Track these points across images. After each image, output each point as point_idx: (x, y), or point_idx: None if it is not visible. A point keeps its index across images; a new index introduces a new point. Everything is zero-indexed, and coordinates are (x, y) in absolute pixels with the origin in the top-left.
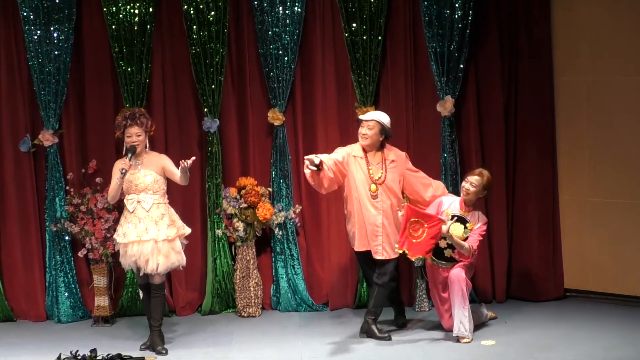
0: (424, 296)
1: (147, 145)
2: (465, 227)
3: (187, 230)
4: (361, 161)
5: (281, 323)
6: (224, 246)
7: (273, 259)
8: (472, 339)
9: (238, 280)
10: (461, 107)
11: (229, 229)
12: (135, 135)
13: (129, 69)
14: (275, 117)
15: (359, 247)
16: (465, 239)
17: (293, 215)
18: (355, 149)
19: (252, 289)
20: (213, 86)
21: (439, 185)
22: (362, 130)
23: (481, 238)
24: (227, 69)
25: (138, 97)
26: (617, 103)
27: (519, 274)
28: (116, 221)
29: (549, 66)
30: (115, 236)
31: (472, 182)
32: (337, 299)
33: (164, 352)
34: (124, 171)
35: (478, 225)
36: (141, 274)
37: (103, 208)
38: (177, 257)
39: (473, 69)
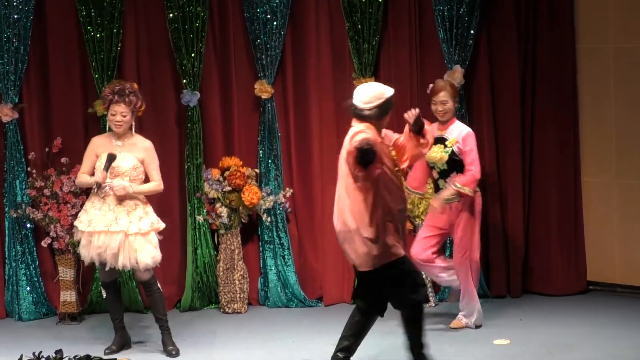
0: (430, 290)
1: (133, 126)
2: (445, 146)
3: (162, 225)
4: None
5: (270, 320)
6: (205, 234)
7: (261, 248)
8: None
9: (221, 273)
10: (472, 78)
11: (211, 215)
12: (120, 114)
13: (98, 35)
14: (263, 89)
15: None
16: (453, 160)
17: (283, 200)
18: None
19: (237, 282)
20: (193, 55)
21: None
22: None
23: (476, 157)
24: (208, 35)
25: (108, 67)
26: None
27: (536, 266)
28: (83, 206)
29: (571, 32)
30: (76, 223)
31: (441, 100)
32: (332, 293)
33: (174, 353)
34: (99, 185)
35: (461, 135)
36: (107, 268)
37: (69, 192)
38: (156, 252)
39: (485, 35)
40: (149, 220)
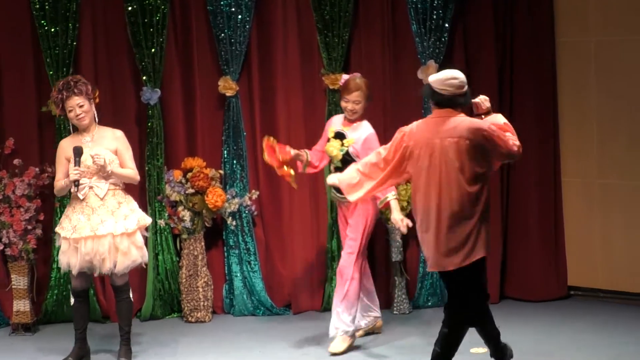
0: (404, 296)
1: (96, 116)
2: (343, 144)
3: (148, 221)
4: None
5: (235, 329)
6: (167, 239)
7: (225, 254)
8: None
9: (184, 280)
10: None
11: (173, 219)
12: (77, 107)
13: (53, 30)
14: (227, 86)
15: None
16: (347, 161)
17: (249, 202)
18: None
19: (200, 289)
20: (153, 50)
21: None
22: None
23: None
24: (169, 29)
25: (63, 64)
26: (631, 68)
27: (515, 271)
28: (38, 210)
29: (550, 25)
30: (58, 229)
31: (355, 100)
32: (301, 300)
33: None
34: (77, 183)
35: (361, 138)
36: (96, 274)
37: (23, 195)
38: (138, 254)
39: (461, 28)
40: (135, 218)
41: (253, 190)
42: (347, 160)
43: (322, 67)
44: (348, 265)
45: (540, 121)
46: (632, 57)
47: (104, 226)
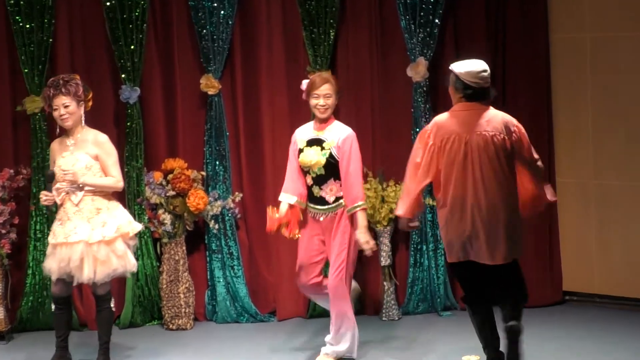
0: (393, 302)
1: (83, 119)
2: (323, 148)
3: (135, 228)
4: None
5: (218, 337)
6: (147, 243)
7: (208, 258)
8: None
9: (165, 286)
10: (437, 71)
11: (153, 223)
12: (62, 106)
13: (28, 26)
14: (210, 84)
15: None
16: (331, 165)
17: (232, 205)
18: None
19: (181, 295)
20: (132, 47)
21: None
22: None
23: (360, 163)
24: (149, 25)
25: (39, 61)
26: (627, 65)
27: None
28: (13, 214)
29: (544, 21)
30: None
31: (325, 94)
32: (286, 307)
33: None
34: (46, 207)
35: (341, 138)
36: (75, 283)
37: None
38: (119, 263)
39: (451, 24)
40: (114, 225)
41: (236, 193)
42: (330, 164)
43: (307, 65)
44: (340, 284)
45: (534, 120)
46: (629, 54)
47: (76, 233)
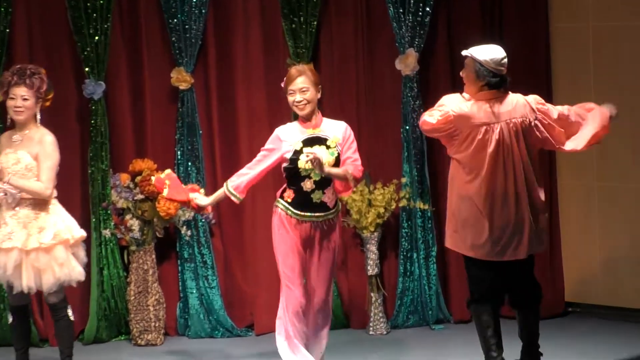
0: (381, 315)
1: (38, 116)
2: (328, 147)
3: (75, 235)
4: None
5: (191, 353)
6: (113, 252)
7: (180, 268)
8: None
9: (132, 297)
10: (428, 63)
11: (120, 229)
12: (20, 97)
13: None
14: (181, 78)
15: None
16: (336, 164)
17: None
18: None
19: (151, 308)
20: (97, 38)
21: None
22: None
23: (358, 156)
24: (115, 14)
25: None
26: (633, 57)
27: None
28: None
29: (544, 10)
30: None
31: (301, 88)
32: (264, 320)
33: None
34: None
35: (341, 131)
36: (14, 292)
37: None
38: (62, 271)
39: (444, 12)
40: (52, 232)
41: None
42: (335, 163)
43: (287, 57)
44: (328, 302)
45: None
46: (635, 45)
47: (11, 239)
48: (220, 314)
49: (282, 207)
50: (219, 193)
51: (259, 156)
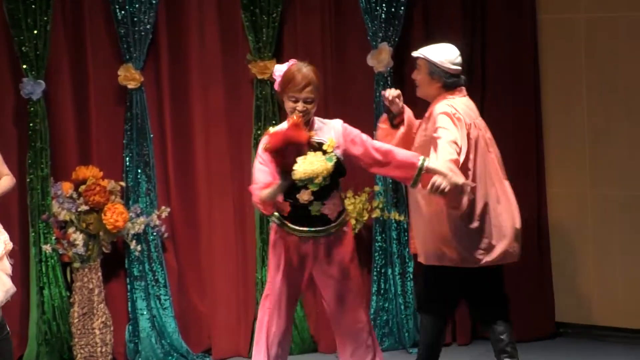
0: None
1: None
2: (325, 152)
3: (10, 246)
4: None
5: None
6: (54, 269)
7: (129, 287)
8: None
9: (76, 320)
10: (403, 59)
11: (62, 244)
12: None
13: None
14: (130, 76)
15: None
16: (336, 171)
17: (157, 222)
18: None
19: (97, 331)
20: (35, 32)
21: None
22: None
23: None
24: (56, 6)
25: None
26: (629, 51)
27: None
28: None
29: None
30: None
31: (306, 98)
32: (223, 344)
33: None
34: None
35: (338, 132)
36: None
37: None
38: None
39: (420, 3)
40: None
41: (163, 207)
42: (335, 170)
43: (248, 53)
44: (364, 331)
45: (520, 116)
46: (630, 38)
47: None
48: (174, 337)
49: (278, 223)
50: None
51: (258, 173)
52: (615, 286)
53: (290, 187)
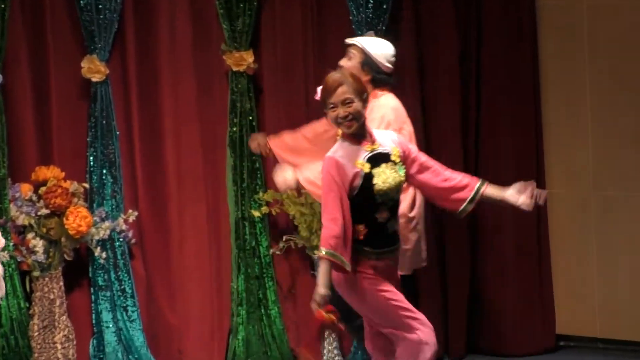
0: (336, 352)
1: None
2: (395, 163)
3: None
4: None
5: None
6: (12, 278)
7: (93, 297)
8: None
9: (36, 333)
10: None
11: (21, 250)
12: None
13: None
14: (94, 69)
15: None
16: (408, 180)
17: (124, 227)
18: None
19: (59, 346)
20: None
21: None
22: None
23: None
24: None
25: None
26: (634, 41)
27: (486, 317)
28: None
29: None
30: None
31: (343, 100)
32: (196, 357)
33: None
34: None
35: (397, 140)
36: None
37: None
38: None
39: None
40: None
41: (130, 211)
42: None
43: (222, 43)
44: None
45: (518, 112)
46: (636, 27)
47: None
48: (142, 351)
49: (356, 250)
50: (324, 271)
51: (330, 200)
52: (620, 295)
53: (369, 206)
